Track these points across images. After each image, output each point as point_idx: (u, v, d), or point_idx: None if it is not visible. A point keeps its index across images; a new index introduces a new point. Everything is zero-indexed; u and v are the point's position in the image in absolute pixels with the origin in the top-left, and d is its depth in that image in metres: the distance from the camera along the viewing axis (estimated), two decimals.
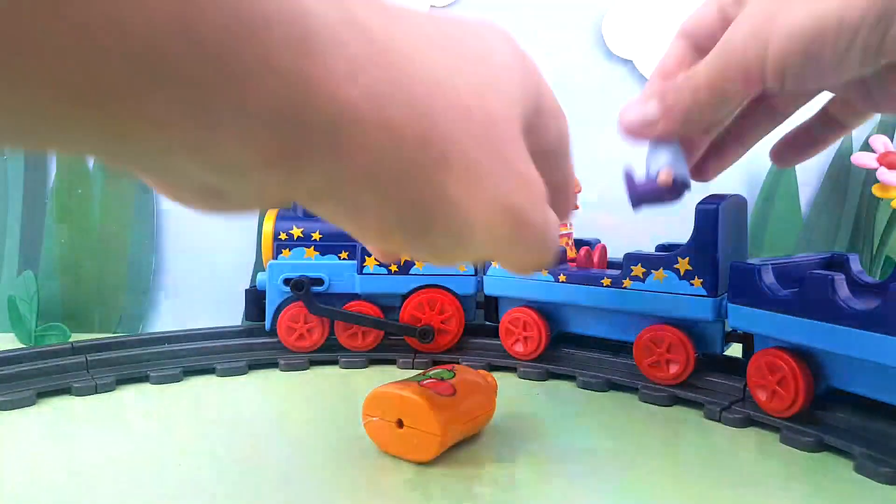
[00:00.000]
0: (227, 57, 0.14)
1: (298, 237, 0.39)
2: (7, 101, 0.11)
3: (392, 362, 0.39)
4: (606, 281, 0.33)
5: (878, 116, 0.49)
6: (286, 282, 0.38)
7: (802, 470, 0.26)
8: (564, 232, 0.38)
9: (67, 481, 0.24)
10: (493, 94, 0.20)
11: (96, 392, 0.33)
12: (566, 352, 0.38)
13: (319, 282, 0.39)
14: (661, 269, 0.31)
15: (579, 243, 0.39)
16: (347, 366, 0.38)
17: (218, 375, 0.36)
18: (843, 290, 0.26)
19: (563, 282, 0.35)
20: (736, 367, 0.32)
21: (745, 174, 0.50)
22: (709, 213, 0.30)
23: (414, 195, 0.18)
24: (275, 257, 0.39)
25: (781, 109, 0.29)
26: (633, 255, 0.32)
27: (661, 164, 0.28)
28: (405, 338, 0.39)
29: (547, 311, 0.37)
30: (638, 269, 0.32)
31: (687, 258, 0.30)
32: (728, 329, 0.32)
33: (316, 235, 0.39)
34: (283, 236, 0.39)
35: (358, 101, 0.16)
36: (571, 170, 0.27)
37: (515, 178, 0.20)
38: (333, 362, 0.39)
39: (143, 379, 0.35)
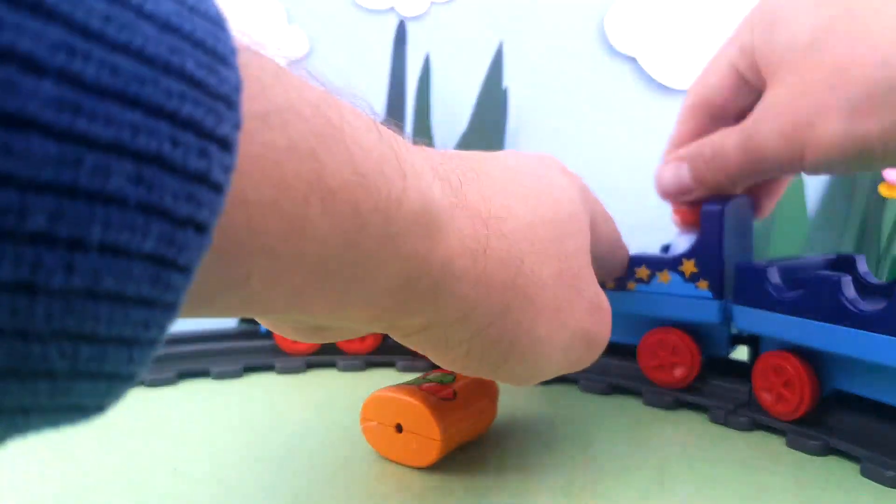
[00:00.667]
0: (373, 259, 0.15)
1: None
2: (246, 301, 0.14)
3: (391, 365, 0.38)
4: (610, 283, 0.32)
5: None
6: None
7: (808, 474, 0.25)
8: None
9: (60, 485, 0.24)
10: (567, 234, 0.22)
11: None
12: None
13: None
14: (665, 271, 0.31)
15: None
16: (345, 369, 0.38)
17: (213, 378, 0.36)
18: (850, 292, 0.25)
19: None
20: (741, 370, 0.32)
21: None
22: (714, 214, 0.29)
23: (500, 332, 0.19)
24: None
25: None
26: (637, 257, 0.31)
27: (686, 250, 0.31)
28: None
29: None
30: (642, 271, 0.31)
31: (692, 260, 0.30)
32: (734, 331, 0.32)
33: None
34: None
35: (462, 266, 0.18)
36: (624, 249, 0.31)
37: (588, 305, 0.22)
38: (331, 365, 0.38)
39: None
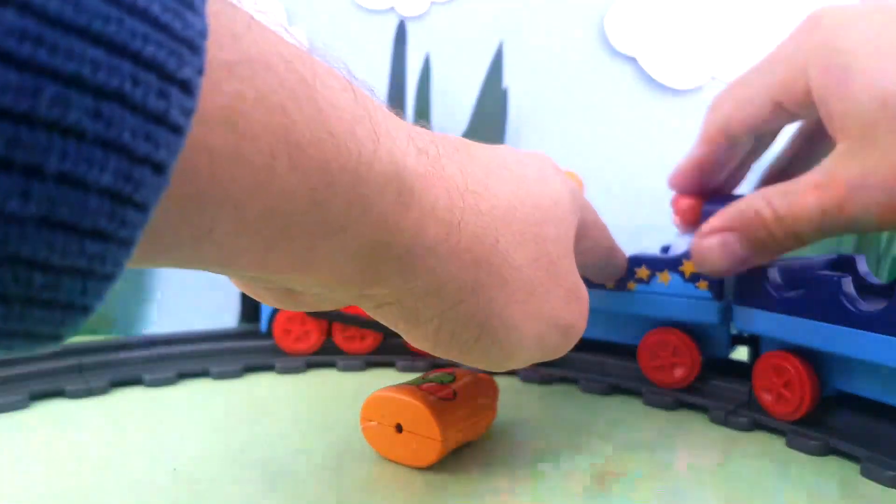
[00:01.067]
0: (342, 220, 0.15)
1: None
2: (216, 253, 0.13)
3: (391, 365, 0.38)
4: (610, 284, 0.32)
5: None
6: None
7: (808, 474, 0.25)
8: None
9: (60, 484, 0.23)
10: (549, 220, 0.21)
11: (90, 395, 0.33)
12: (569, 355, 0.37)
13: None
14: (665, 272, 0.31)
15: None
16: (345, 369, 0.38)
17: (213, 378, 0.36)
18: (850, 292, 0.25)
19: None
20: (741, 371, 0.32)
21: (750, 173, 0.50)
22: (714, 213, 0.29)
23: (472, 310, 0.19)
24: None
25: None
26: (637, 257, 0.31)
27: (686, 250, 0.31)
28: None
29: None
30: (642, 272, 0.31)
31: (692, 260, 0.30)
32: (734, 331, 0.32)
33: None
34: None
35: (435, 237, 0.17)
36: (620, 253, 0.30)
37: (565, 293, 0.22)
38: (331, 365, 0.38)
39: (136, 382, 0.35)
